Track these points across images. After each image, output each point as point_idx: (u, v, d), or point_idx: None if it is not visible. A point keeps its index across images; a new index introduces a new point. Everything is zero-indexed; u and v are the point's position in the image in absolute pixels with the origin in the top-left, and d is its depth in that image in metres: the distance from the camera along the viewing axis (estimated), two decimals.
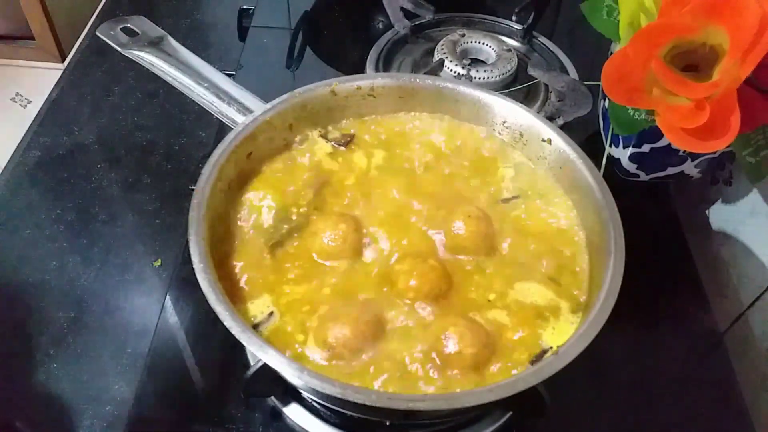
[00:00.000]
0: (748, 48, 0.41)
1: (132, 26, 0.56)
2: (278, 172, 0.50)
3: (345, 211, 0.47)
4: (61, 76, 0.79)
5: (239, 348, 0.51)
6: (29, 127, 0.71)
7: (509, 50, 0.72)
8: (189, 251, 0.39)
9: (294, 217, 0.47)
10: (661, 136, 0.54)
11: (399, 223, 0.47)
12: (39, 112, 0.72)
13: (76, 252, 0.58)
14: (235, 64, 0.77)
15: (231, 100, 0.51)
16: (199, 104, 0.51)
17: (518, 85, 0.72)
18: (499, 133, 0.53)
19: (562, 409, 0.44)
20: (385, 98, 0.54)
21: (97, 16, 0.95)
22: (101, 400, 0.49)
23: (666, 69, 0.44)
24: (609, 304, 0.39)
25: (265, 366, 0.39)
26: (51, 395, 0.49)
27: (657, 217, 0.67)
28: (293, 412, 0.47)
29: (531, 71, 0.71)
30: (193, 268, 0.39)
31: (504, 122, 0.53)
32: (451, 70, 0.70)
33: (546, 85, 0.71)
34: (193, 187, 0.43)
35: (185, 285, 0.55)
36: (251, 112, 0.49)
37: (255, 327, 0.41)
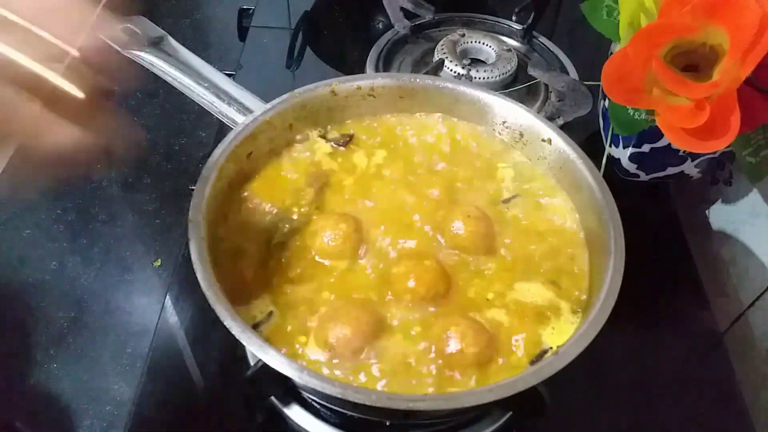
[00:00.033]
0: (748, 48, 0.41)
1: (132, 26, 0.56)
2: (278, 172, 0.50)
3: (345, 211, 0.47)
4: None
5: (239, 348, 0.51)
6: None
7: (509, 50, 0.72)
8: (189, 251, 0.40)
9: (294, 217, 0.47)
10: (661, 136, 0.54)
11: (399, 222, 0.47)
12: None
13: (76, 252, 0.58)
14: (235, 64, 0.77)
15: (231, 100, 0.51)
16: (199, 104, 0.51)
17: (518, 85, 0.72)
18: (499, 133, 0.53)
19: (562, 409, 0.44)
20: (385, 98, 0.54)
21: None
22: (101, 400, 0.49)
23: (666, 69, 0.44)
24: (609, 304, 0.39)
25: (265, 366, 0.39)
26: (51, 395, 0.49)
27: (657, 217, 0.67)
28: (293, 412, 0.47)
29: (531, 71, 0.71)
30: (193, 268, 0.39)
31: (504, 122, 0.53)
32: (451, 70, 0.70)
33: (546, 85, 0.71)
34: (193, 187, 0.43)
35: (185, 285, 0.55)
36: (251, 112, 0.49)
37: (255, 327, 0.41)
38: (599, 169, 0.48)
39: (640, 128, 0.55)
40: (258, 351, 0.36)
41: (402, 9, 0.77)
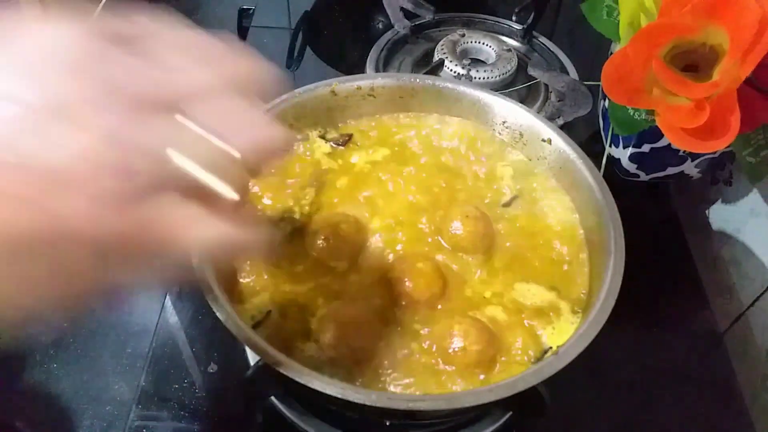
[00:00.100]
0: (748, 48, 0.41)
1: None
2: (278, 172, 0.50)
3: (345, 211, 0.47)
4: None
5: (239, 348, 0.51)
6: None
7: (509, 50, 0.72)
8: None
9: (295, 217, 0.47)
10: (661, 136, 0.54)
11: (399, 222, 0.47)
12: None
13: None
14: None
15: None
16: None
17: (518, 85, 0.72)
18: (499, 133, 0.53)
19: (562, 409, 0.44)
20: (385, 98, 0.54)
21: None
22: (101, 400, 0.49)
23: (666, 69, 0.44)
24: (609, 304, 0.39)
25: (264, 366, 0.39)
26: (51, 395, 0.49)
27: (657, 217, 0.67)
28: (293, 412, 0.47)
29: (531, 71, 0.71)
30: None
31: (504, 122, 0.53)
32: (451, 70, 0.70)
33: (546, 85, 0.71)
34: None
35: (185, 285, 0.55)
36: None
37: (255, 327, 0.41)
38: (599, 169, 0.48)
39: (640, 128, 0.55)
40: (258, 351, 0.36)
41: (402, 9, 0.77)
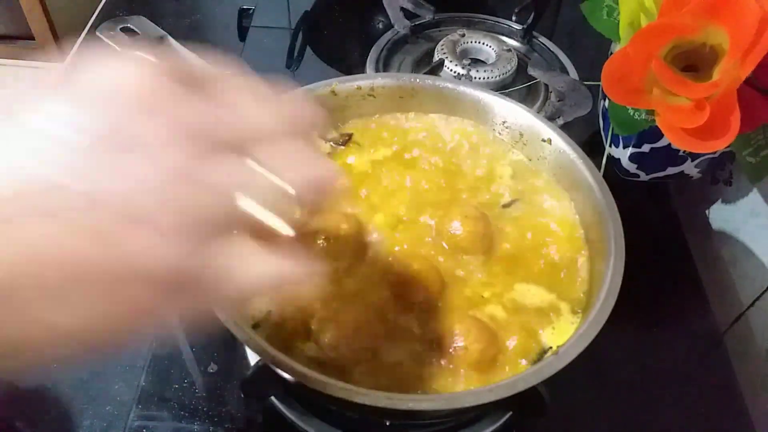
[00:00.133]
0: (748, 48, 0.41)
1: (132, 26, 0.56)
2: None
3: (345, 211, 0.47)
4: None
5: (239, 348, 0.51)
6: None
7: (509, 50, 0.72)
8: None
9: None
10: (661, 136, 0.54)
11: (398, 222, 0.47)
12: None
13: None
14: None
15: None
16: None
17: (518, 85, 0.72)
18: (499, 133, 0.53)
19: (562, 409, 0.44)
20: (385, 98, 0.54)
21: (97, 16, 0.95)
22: (101, 400, 0.49)
23: (666, 69, 0.44)
24: (609, 304, 0.39)
25: (265, 366, 0.39)
26: (51, 395, 0.49)
27: (657, 217, 0.67)
28: (293, 412, 0.47)
29: (531, 71, 0.71)
30: None
31: (504, 122, 0.53)
32: (451, 70, 0.70)
33: (546, 85, 0.71)
34: None
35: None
36: None
37: (255, 327, 0.41)
38: (599, 169, 0.48)
39: (640, 128, 0.55)
40: (258, 351, 0.36)
41: (402, 9, 0.77)
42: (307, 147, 0.26)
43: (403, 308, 0.42)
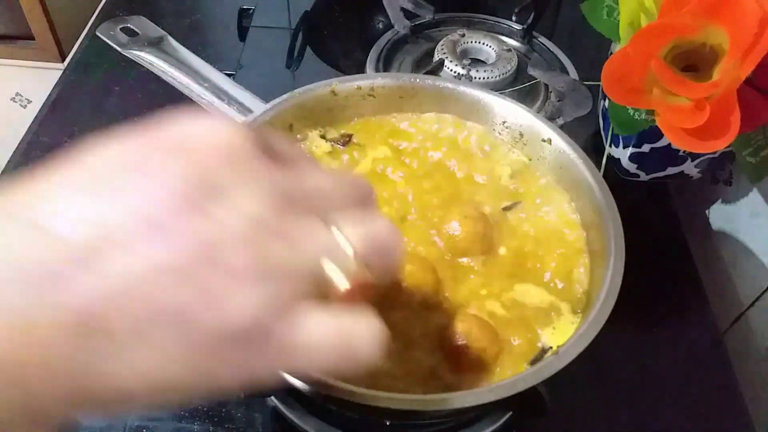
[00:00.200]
0: (748, 48, 0.41)
1: (132, 26, 0.56)
2: None
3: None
4: (61, 76, 0.79)
5: None
6: (29, 127, 0.71)
7: (509, 50, 0.72)
8: None
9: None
10: (661, 136, 0.54)
11: (397, 223, 0.47)
12: (39, 112, 0.72)
13: None
14: (235, 64, 0.77)
15: (231, 100, 0.51)
16: (199, 104, 0.51)
17: (518, 85, 0.72)
18: (499, 133, 0.53)
19: (562, 409, 0.44)
20: (385, 98, 0.54)
21: (97, 16, 0.95)
22: None
23: (666, 69, 0.44)
24: (609, 304, 0.39)
25: None
26: None
27: (657, 217, 0.67)
28: (293, 412, 0.47)
29: (531, 71, 0.71)
30: None
31: (504, 122, 0.53)
32: (451, 70, 0.70)
33: (546, 85, 0.71)
34: None
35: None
36: (251, 112, 0.49)
37: None
38: (599, 169, 0.48)
39: (640, 128, 0.55)
40: None
41: (402, 9, 0.77)
42: (381, 217, 0.27)
43: (403, 308, 0.42)
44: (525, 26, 0.78)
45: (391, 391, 0.36)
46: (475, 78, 0.69)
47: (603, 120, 0.67)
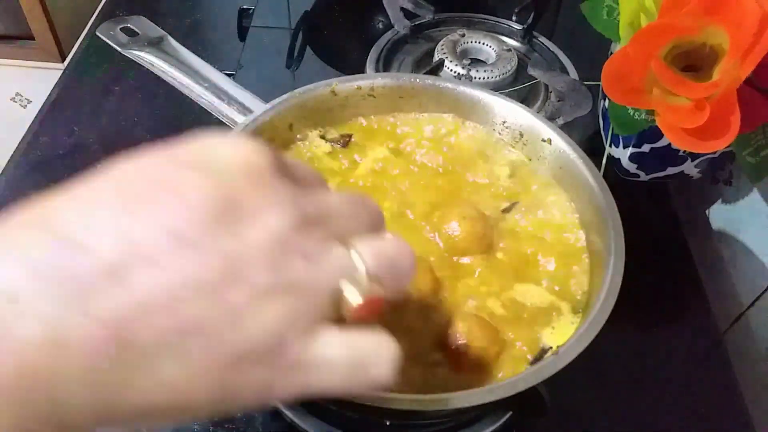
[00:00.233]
0: (748, 48, 0.41)
1: (132, 26, 0.56)
2: None
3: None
4: (61, 76, 0.79)
5: None
6: (29, 127, 0.71)
7: (509, 50, 0.72)
8: None
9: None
10: (661, 136, 0.54)
11: (397, 223, 0.47)
12: (39, 112, 0.72)
13: None
14: (235, 64, 0.77)
15: (231, 100, 0.51)
16: (199, 104, 0.51)
17: (518, 85, 0.72)
18: (499, 133, 0.53)
19: (562, 409, 0.44)
20: (385, 98, 0.54)
21: (97, 16, 0.95)
22: None
23: (666, 69, 0.44)
24: (609, 304, 0.39)
25: None
26: None
27: (657, 217, 0.67)
28: (293, 412, 0.47)
29: (531, 71, 0.71)
30: None
31: (504, 122, 0.53)
32: (451, 70, 0.70)
33: (546, 85, 0.71)
34: None
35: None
36: (251, 112, 0.49)
37: None
38: (599, 169, 0.48)
39: (640, 128, 0.55)
40: None
41: (402, 9, 0.77)
42: (392, 235, 0.27)
43: (402, 308, 0.42)
44: (525, 26, 0.78)
45: (391, 391, 0.36)
46: (475, 78, 0.69)
47: (603, 120, 0.67)
